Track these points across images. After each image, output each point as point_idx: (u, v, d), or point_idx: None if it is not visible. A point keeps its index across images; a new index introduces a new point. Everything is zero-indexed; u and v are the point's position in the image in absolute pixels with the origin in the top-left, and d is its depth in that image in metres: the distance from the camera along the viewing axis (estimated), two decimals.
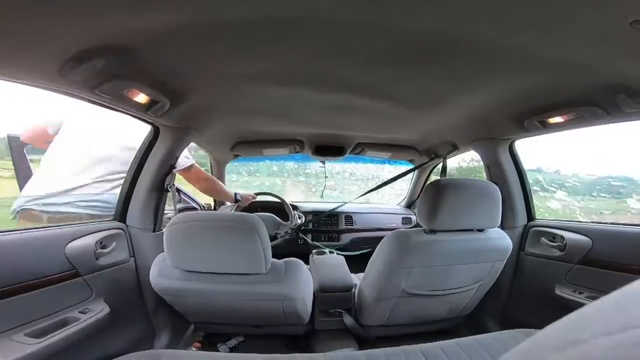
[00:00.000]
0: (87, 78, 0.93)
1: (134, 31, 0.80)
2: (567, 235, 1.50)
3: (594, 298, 1.29)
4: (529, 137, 1.61)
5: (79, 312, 1.19)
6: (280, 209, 2.50)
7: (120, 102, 1.14)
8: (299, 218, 2.57)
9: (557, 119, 1.28)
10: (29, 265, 1.08)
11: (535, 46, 0.85)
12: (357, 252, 2.33)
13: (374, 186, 2.35)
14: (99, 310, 1.25)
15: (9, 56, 0.79)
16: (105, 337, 1.28)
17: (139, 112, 1.24)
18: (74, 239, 1.25)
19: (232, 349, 1.61)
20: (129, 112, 1.25)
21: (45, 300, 1.10)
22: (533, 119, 1.34)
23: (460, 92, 1.25)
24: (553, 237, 1.57)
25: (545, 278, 1.54)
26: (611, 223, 1.46)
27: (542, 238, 1.61)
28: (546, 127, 1.37)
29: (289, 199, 2.53)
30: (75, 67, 0.86)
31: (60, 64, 0.85)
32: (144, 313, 1.55)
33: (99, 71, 0.91)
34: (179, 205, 2.61)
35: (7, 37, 0.71)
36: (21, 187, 1.65)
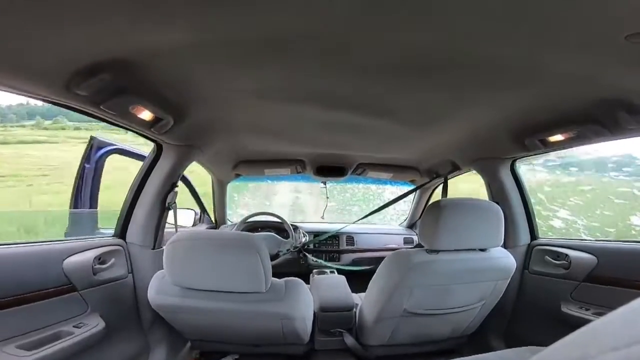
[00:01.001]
0: (93, 93, 0.94)
1: (140, 48, 0.82)
2: (572, 253, 1.49)
3: (601, 314, 1.27)
4: (530, 156, 1.62)
5: (73, 326, 1.19)
6: (280, 228, 2.48)
7: (125, 119, 1.15)
8: (304, 236, 2.55)
9: (558, 137, 1.29)
10: (25, 278, 1.08)
11: (534, 62, 0.86)
12: (358, 268, 2.30)
13: (376, 207, 2.35)
14: (94, 325, 1.23)
15: (17, 69, 0.81)
16: (99, 352, 1.27)
17: (143, 128, 1.26)
18: (73, 254, 1.25)
19: None
20: (133, 129, 1.27)
21: (39, 313, 1.10)
22: (534, 137, 1.35)
23: (460, 109, 1.27)
24: (557, 256, 1.55)
25: (551, 296, 1.52)
26: (616, 240, 1.46)
27: (546, 256, 1.60)
28: (547, 146, 1.38)
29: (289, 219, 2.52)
30: (82, 83, 0.88)
31: (66, 79, 0.87)
32: (140, 329, 1.52)
33: (104, 87, 0.93)
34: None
35: (15, 51, 0.73)
36: None
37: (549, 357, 0.24)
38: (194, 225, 2.46)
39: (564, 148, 1.39)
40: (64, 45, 0.75)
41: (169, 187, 1.55)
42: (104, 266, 1.35)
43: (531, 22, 0.70)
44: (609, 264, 1.37)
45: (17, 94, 0.90)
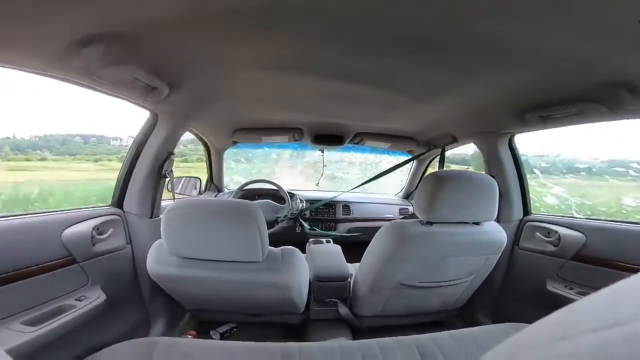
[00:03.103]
0: (87, 64, 0.91)
1: (135, 17, 0.79)
2: (562, 230, 1.51)
3: (584, 294, 1.31)
4: (529, 131, 1.61)
5: (75, 299, 1.21)
6: (277, 196, 2.50)
7: (119, 89, 1.12)
8: (301, 203, 2.57)
9: (558, 115, 1.27)
10: (25, 252, 1.08)
11: (540, 40, 0.84)
12: (353, 234, 2.34)
13: (372, 176, 2.35)
14: (95, 297, 1.26)
15: (9, 42, 0.78)
16: (101, 324, 1.30)
17: (138, 98, 1.23)
18: (71, 225, 1.25)
19: (223, 335, 1.63)
20: (128, 98, 1.24)
21: (41, 287, 1.11)
22: (534, 113, 1.34)
23: (461, 83, 1.24)
24: (548, 232, 1.58)
25: (538, 273, 1.56)
26: (605, 219, 1.48)
27: (537, 233, 1.62)
28: (547, 122, 1.36)
29: (286, 186, 2.53)
30: (76, 53, 0.85)
31: (60, 50, 0.83)
32: (140, 300, 1.56)
33: (98, 57, 0.90)
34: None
35: (7, 23, 0.70)
36: None
37: (531, 334, 0.25)
38: (199, 193, 2.46)
39: (563, 125, 1.38)
40: (57, 17, 0.72)
41: (166, 156, 1.54)
42: (102, 237, 1.35)
43: (539, 2, 0.67)
44: (596, 243, 1.39)
45: (9, 67, 0.88)
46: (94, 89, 1.10)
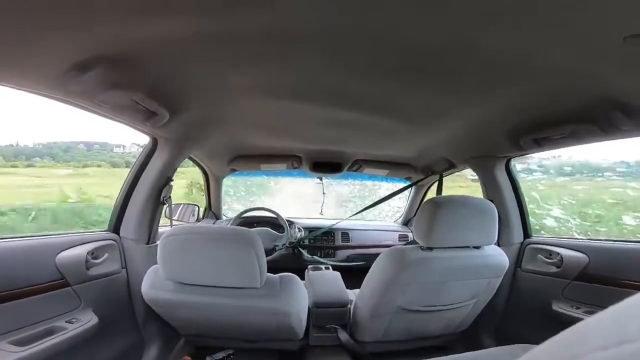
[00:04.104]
0: (88, 87, 0.93)
1: (136, 42, 0.81)
2: (564, 252, 1.50)
3: (591, 313, 1.28)
4: (525, 155, 1.63)
5: (66, 321, 1.18)
6: (275, 224, 2.48)
7: (119, 113, 1.14)
8: (299, 231, 2.55)
9: (553, 137, 1.29)
10: (18, 273, 1.07)
11: (532, 62, 0.87)
12: (353, 264, 2.30)
13: (371, 203, 2.35)
14: (87, 320, 1.23)
15: (11, 63, 0.80)
16: (92, 347, 1.26)
17: (138, 123, 1.25)
18: (66, 249, 1.24)
19: None
20: (128, 123, 1.26)
21: (32, 308, 1.09)
22: (529, 136, 1.36)
23: (456, 108, 1.27)
24: (549, 254, 1.57)
25: (542, 294, 1.53)
26: (607, 239, 1.47)
27: (539, 255, 1.61)
28: (542, 145, 1.38)
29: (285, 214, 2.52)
30: (77, 76, 0.87)
31: (61, 72, 0.85)
32: (134, 325, 1.52)
33: (100, 81, 0.92)
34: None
35: (10, 44, 0.72)
36: None
37: (539, 355, 0.24)
38: (197, 220, 2.45)
39: (558, 147, 1.41)
40: (60, 40, 0.74)
41: (164, 182, 1.54)
42: (97, 261, 1.33)
43: (530, 23, 0.70)
44: (600, 262, 1.38)
45: (12, 87, 0.89)
46: (96, 113, 1.12)
